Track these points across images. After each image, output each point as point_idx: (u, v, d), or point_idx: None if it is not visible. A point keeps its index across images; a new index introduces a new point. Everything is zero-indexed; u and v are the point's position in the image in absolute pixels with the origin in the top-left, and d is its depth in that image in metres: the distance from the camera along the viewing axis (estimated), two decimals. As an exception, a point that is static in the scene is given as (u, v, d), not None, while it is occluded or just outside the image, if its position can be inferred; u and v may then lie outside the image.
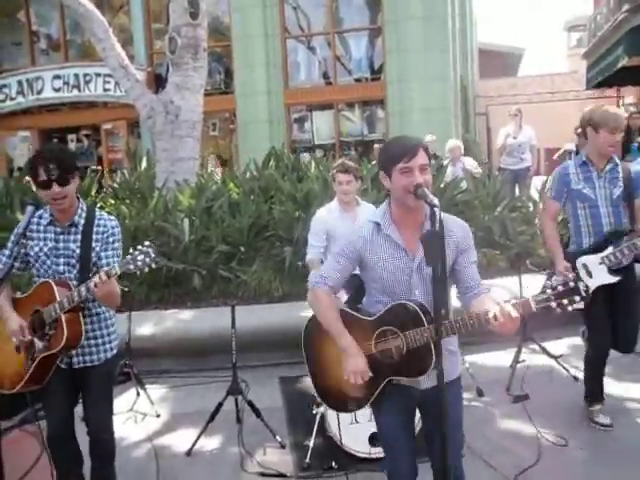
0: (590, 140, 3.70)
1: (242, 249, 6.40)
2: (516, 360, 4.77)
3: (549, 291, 2.19)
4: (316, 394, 2.66)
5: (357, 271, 2.59)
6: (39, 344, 2.81)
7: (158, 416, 4.42)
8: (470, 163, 9.28)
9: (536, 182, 9.10)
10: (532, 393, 4.34)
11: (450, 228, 2.37)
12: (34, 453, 3.56)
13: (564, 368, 4.69)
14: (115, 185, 7.97)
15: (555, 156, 11.96)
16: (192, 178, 7.63)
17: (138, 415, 4.42)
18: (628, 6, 10.63)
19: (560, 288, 2.18)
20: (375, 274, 2.42)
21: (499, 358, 5.09)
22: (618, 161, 3.74)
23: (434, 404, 2.19)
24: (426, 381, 2.38)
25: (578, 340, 5.02)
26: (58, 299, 2.76)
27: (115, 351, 3.06)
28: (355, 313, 2.50)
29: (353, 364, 2.37)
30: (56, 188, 2.75)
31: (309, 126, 15.84)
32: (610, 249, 3.63)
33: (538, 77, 26.65)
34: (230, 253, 6.34)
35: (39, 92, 15.19)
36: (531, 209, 7.38)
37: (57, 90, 15.08)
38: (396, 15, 14.03)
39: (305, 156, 12.02)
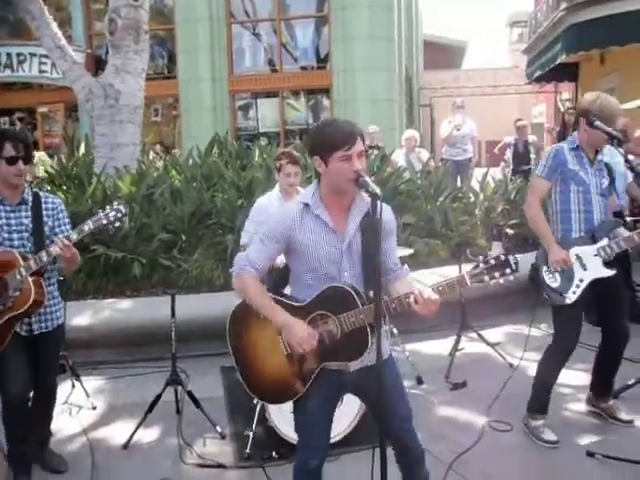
0: (582, 132, 3.50)
1: (183, 237, 6.29)
2: (455, 348, 4.86)
3: (482, 265, 2.27)
4: (248, 390, 2.56)
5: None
6: (1, 306, 2.98)
7: (94, 408, 4.30)
8: (425, 154, 9.36)
9: (477, 174, 9.28)
10: (470, 381, 4.44)
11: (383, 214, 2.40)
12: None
13: (501, 356, 4.81)
14: (51, 170, 7.69)
15: (496, 149, 12.20)
16: (133, 164, 7.44)
17: (73, 408, 4.28)
18: (566, 4, 10.91)
19: (492, 262, 2.26)
20: (304, 256, 2.38)
21: (438, 346, 5.18)
22: (601, 156, 3.61)
23: (369, 384, 2.25)
24: (355, 364, 2.39)
25: (514, 328, 5.17)
26: (22, 263, 2.95)
27: (62, 320, 3.37)
28: (285, 300, 2.45)
29: (297, 331, 2.31)
30: (21, 165, 3.00)
31: (254, 114, 15.71)
32: (606, 240, 3.45)
33: (481, 71, 27.17)
34: (171, 241, 6.22)
35: (-32, 71, 14.52)
36: (472, 200, 7.51)
37: (-13, 69, 14.45)
38: (343, 3, 14.03)
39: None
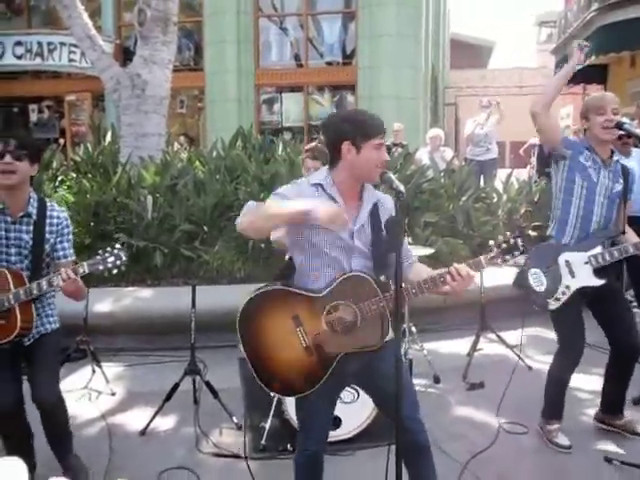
0: (588, 131, 3.49)
1: (205, 229, 6.33)
2: (473, 348, 4.84)
3: (496, 249, 2.43)
4: (262, 385, 2.48)
5: None
6: None
7: (113, 394, 4.36)
8: (450, 154, 9.33)
9: (501, 174, 9.21)
10: (488, 382, 4.42)
11: (383, 202, 2.48)
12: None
13: (520, 358, 4.77)
14: (77, 159, 7.77)
15: (521, 150, 12.08)
16: (157, 155, 7.50)
17: (93, 393, 4.35)
18: (597, 5, 10.78)
19: (504, 245, 2.41)
20: (313, 238, 2.35)
21: (457, 346, 5.16)
22: (618, 157, 3.51)
23: (368, 372, 2.35)
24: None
25: (534, 331, 5.13)
26: (13, 290, 2.77)
27: (53, 326, 3.09)
28: (300, 291, 2.39)
29: (323, 211, 2.16)
30: (8, 158, 2.76)
31: (278, 108, 15.73)
32: (599, 248, 3.34)
33: (507, 70, 26.90)
34: (193, 232, 6.26)
35: (-1, 58, 14.71)
36: (495, 200, 7.46)
37: (19, 57, 14.54)
38: (370, 0, 13.97)
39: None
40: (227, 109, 14.45)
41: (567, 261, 3.38)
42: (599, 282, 3.35)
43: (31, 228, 2.91)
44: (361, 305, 2.34)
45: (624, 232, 3.44)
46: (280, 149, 7.76)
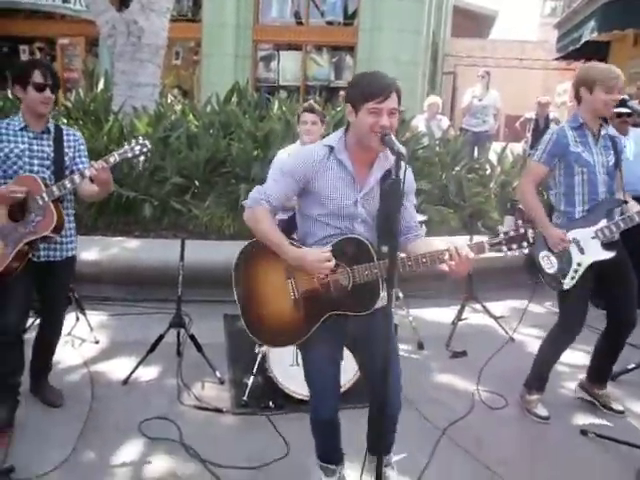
0: (584, 102, 3.36)
1: (197, 183, 6.27)
2: (458, 317, 4.88)
3: (502, 235, 2.34)
4: (247, 329, 2.53)
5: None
6: (23, 229, 3.01)
7: (97, 342, 4.36)
8: (446, 122, 9.26)
9: (495, 147, 9.16)
10: (470, 351, 4.47)
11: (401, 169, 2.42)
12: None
13: (503, 329, 4.82)
14: (69, 104, 7.62)
15: (517, 123, 12.00)
16: (151, 105, 7.37)
17: (76, 340, 4.35)
18: (605, -20, 10.60)
19: (512, 233, 2.33)
20: (319, 199, 2.37)
21: (442, 314, 5.20)
22: (605, 130, 3.45)
23: (364, 335, 2.36)
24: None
25: (520, 303, 5.17)
26: (44, 189, 2.99)
27: (74, 252, 3.36)
28: (297, 244, 2.44)
29: (312, 256, 2.30)
30: (48, 93, 3.05)
31: (275, 65, 15.47)
32: (604, 222, 3.33)
33: (508, 42, 26.57)
34: (184, 186, 6.20)
35: (-9, -6, 14.26)
36: (488, 172, 7.44)
37: (12, -5, 14.17)
38: (375, -40, 13.67)
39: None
40: (223, 63, 14.19)
41: (575, 239, 3.38)
42: (610, 254, 3.36)
43: (52, 142, 3.15)
44: (355, 268, 2.33)
45: (626, 202, 3.42)
46: (276, 107, 7.65)
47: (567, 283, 3.41)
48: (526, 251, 2.34)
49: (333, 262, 2.32)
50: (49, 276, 3.24)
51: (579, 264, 3.39)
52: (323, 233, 2.40)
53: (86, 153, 3.31)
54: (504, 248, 2.32)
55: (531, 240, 2.32)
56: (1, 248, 3.02)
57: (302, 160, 2.40)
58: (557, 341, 3.62)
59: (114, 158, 3.02)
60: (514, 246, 2.32)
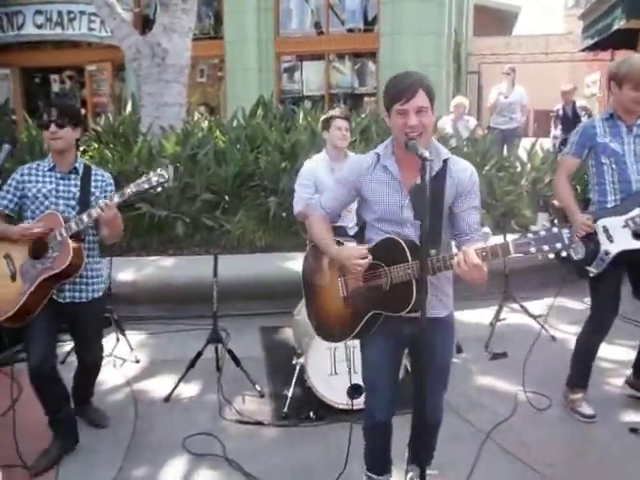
0: (615, 96, 3.37)
1: (226, 198, 6.33)
2: (496, 318, 4.81)
3: (530, 235, 2.14)
4: (310, 323, 2.74)
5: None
6: (41, 266, 3.00)
7: (137, 362, 4.42)
8: (473, 122, 9.20)
9: (525, 143, 9.04)
10: (510, 352, 4.40)
11: (454, 169, 2.39)
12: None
13: (543, 328, 4.74)
14: (98, 129, 7.78)
15: (552, 121, 11.77)
16: (178, 124, 7.47)
17: (117, 360, 4.41)
18: (629, -33, 10.40)
19: (542, 233, 2.13)
20: (370, 205, 2.45)
21: (480, 315, 5.14)
22: None
23: (420, 343, 2.21)
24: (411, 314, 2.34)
25: (558, 301, 5.08)
26: (64, 225, 2.98)
27: (101, 293, 3.31)
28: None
29: (347, 256, 2.41)
30: (53, 128, 3.04)
31: (299, 76, 15.54)
32: (637, 211, 3.27)
33: (532, 37, 26.23)
34: (214, 202, 6.26)
35: (20, 28, 14.61)
36: (518, 169, 7.35)
37: (39, 27, 14.49)
38: (392, -35, 13.65)
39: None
40: (247, 78, 14.32)
41: (604, 227, 3.34)
42: (639, 244, 3.29)
43: (79, 182, 3.16)
44: (392, 268, 2.34)
45: None
46: (301, 118, 7.69)
47: (593, 271, 3.36)
48: (564, 254, 2.17)
49: (368, 260, 2.37)
50: (76, 318, 3.22)
51: (607, 253, 3.33)
52: (378, 238, 2.43)
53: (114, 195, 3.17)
54: (532, 249, 2.12)
55: (566, 241, 2.11)
56: (20, 285, 3.01)
57: (351, 168, 2.53)
58: (590, 334, 3.56)
59: (130, 190, 2.97)
60: (545, 248, 2.11)
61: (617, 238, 3.32)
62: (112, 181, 3.29)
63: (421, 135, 2.26)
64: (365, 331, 2.47)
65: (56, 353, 3.20)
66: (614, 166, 3.33)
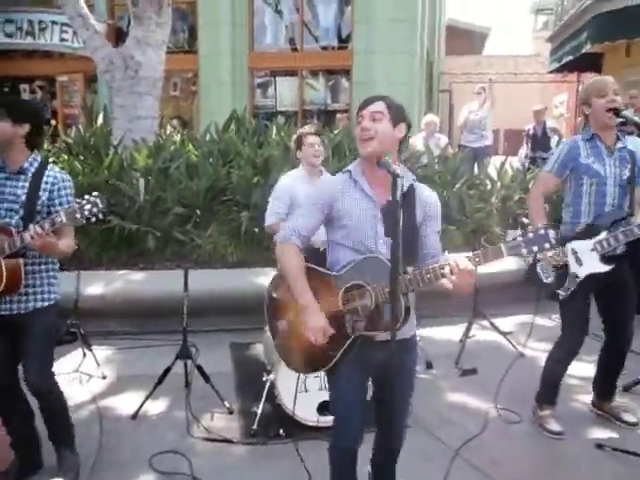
0: (590, 118, 3.41)
1: (198, 212, 6.29)
2: (466, 335, 4.84)
3: (519, 238, 2.20)
4: (279, 355, 2.63)
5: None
6: None
7: (104, 378, 4.34)
8: (444, 140, 9.31)
9: (494, 161, 9.18)
10: (480, 368, 4.43)
11: (420, 192, 2.45)
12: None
13: (512, 344, 4.79)
14: (69, 140, 7.69)
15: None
16: (150, 137, 7.43)
17: (83, 376, 4.32)
18: (594, -8, 10.71)
19: (531, 235, 2.19)
20: (342, 223, 2.39)
21: (449, 332, 5.17)
22: (626, 142, 3.44)
23: (388, 365, 2.19)
24: (382, 335, 2.34)
25: (527, 318, 5.13)
26: None
27: (47, 303, 2.95)
28: (321, 269, 2.46)
29: (312, 321, 2.34)
30: None
31: (272, 92, 15.59)
32: (604, 234, 3.30)
33: (502, 57, 26.78)
34: (186, 216, 6.22)
35: (-11, 36, 14.43)
36: (489, 187, 7.45)
37: (9, 36, 14.27)
38: (366, -16, 13.83)
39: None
40: (221, 92, 14.31)
41: (573, 249, 3.37)
42: (606, 268, 3.32)
43: (27, 184, 2.87)
44: (376, 287, 2.31)
45: (632, 214, 3.40)
46: (274, 133, 7.70)
47: (562, 294, 3.41)
48: (550, 253, 2.28)
49: (328, 334, 2.34)
50: (17, 331, 2.91)
51: (576, 276, 3.38)
52: (347, 259, 2.40)
53: (69, 198, 2.91)
54: (524, 251, 2.19)
55: (553, 241, 2.19)
56: None
57: (324, 188, 2.50)
58: (561, 354, 3.60)
59: (60, 218, 2.67)
60: (534, 248, 2.19)
61: (586, 261, 3.34)
62: (66, 183, 2.94)
63: (373, 139, 2.31)
64: (344, 356, 2.40)
65: (15, 369, 2.97)
66: (594, 187, 3.37)
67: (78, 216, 2.67)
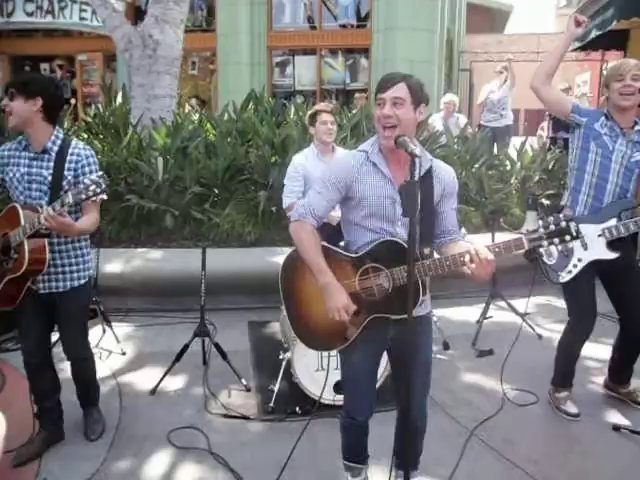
0: (610, 100, 3.35)
1: (216, 191, 6.31)
2: (483, 316, 4.83)
3: (542, 230, 2.20)
4: (293, 332, 2.60)
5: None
6: (6, 266, 2.88)
7: (124, 354, 4.40)
8: (464, 120, 9.21)
9: (515, 142, 9.07)
10: (497, 349, 4.42)
11: (438, 172, 2.41)
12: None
13: (530, 326, 4.77)
14: (88, 119, 7.72)
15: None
16: (168, 116, 7.43)
17: (103, 352, 4.39)
18: (621, -33, 10.44)
19: (552, 227, 2.19)
20: (359, 204, 2.36)
21: (467, 313, 5.16)
22: None
23: (404, 343, 2.20)
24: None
25: (545, 299, 5.11)
26: (23, 224, 2.79)
27: (82, 281, 3.09)
28: (339, 250, 2.44)
29: (335, 300, 2.31)
30: (5, 101, 2.85)
31: (291, 71, 15.49)
32: (614, 221, 3.25)
33: (524, 36, 26.30)
34: (204, 195, 6.24)
35: (9, 15, 14.41)
36: (508, 168, 7.37)
37: (29, 14, 14.31)
38: (386, -39, 13.63)
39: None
40: (239, 71, 14.25)
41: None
42: (612, 255, 3.27)
43: (51, 164, 2.90)
44: (394, 270, 2.31)
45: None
46: (292, 112, 7.67)
47: (563, 277, 3.37)
48: (570, 245, 2.26)
49: (351, 311, 2.32)
50: (56, 308, 3.07)
51: (579, 260, 3.33)
52: (364, 239, 2.39)
53: (94, 175, 2.79)
54: (545, 243, 2.20)
55: (574, 233, 2.18)
56: None
57: (341, 167, 2.41)
58: (571, 338, 3.56)
59: (68, 199, 2.68)
60: (556, 240, 2.19)
61: (592, 246, 3.28)
62: (90, 159, 2.96)
63: (395, 127, 2.26)
64: (360, 334, 2.41)
65: (49, 341, 3.17)
66: (598, 159, 3.32)
67: (83, 197, 2.68)
